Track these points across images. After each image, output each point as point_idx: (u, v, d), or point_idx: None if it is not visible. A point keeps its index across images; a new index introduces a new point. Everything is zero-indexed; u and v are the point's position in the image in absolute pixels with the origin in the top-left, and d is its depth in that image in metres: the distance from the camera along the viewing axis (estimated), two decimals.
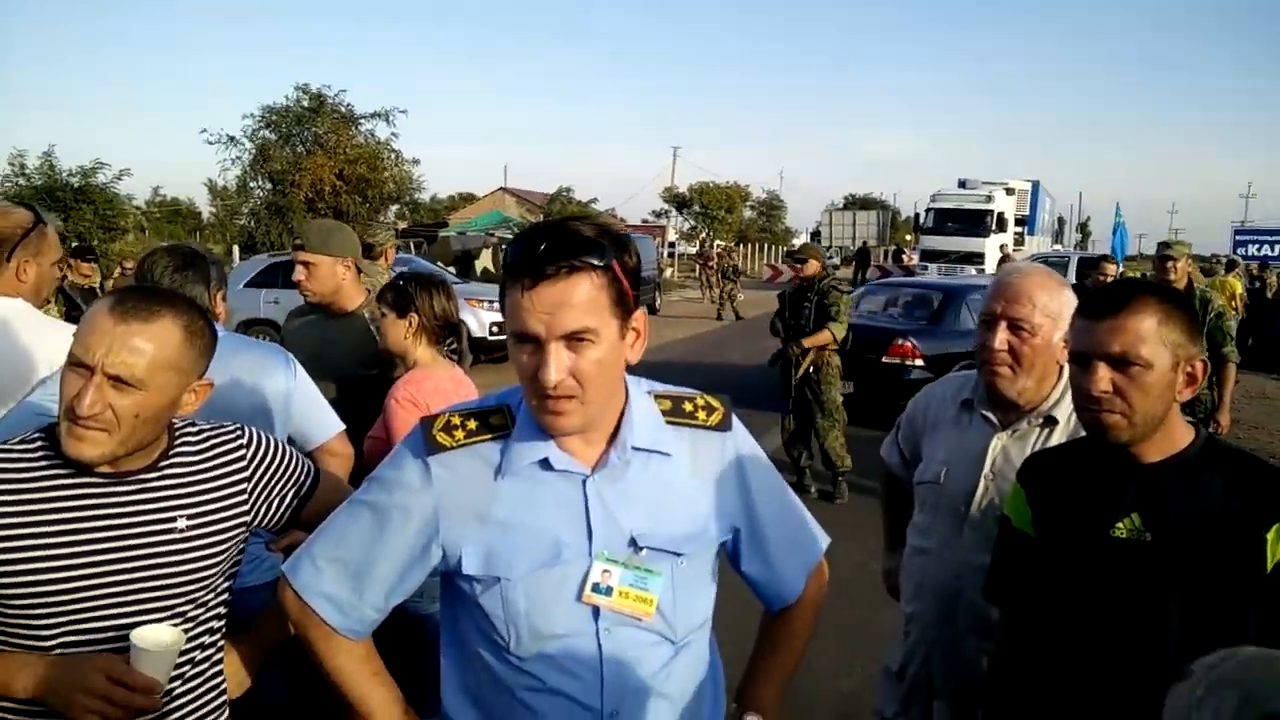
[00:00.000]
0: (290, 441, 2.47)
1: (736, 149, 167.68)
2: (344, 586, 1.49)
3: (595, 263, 1.34)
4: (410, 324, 2.97)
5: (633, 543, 1.43)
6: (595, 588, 1.41)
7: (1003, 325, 2.05)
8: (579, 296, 1.33)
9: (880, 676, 2.38)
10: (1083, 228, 64.15)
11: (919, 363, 9.08)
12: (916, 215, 35.44)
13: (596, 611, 1.42)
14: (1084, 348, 1.64)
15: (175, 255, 2.60)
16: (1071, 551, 1.70)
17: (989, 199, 30.39)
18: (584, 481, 1.44)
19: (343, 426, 2.64)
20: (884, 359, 9.14)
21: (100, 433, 1.45)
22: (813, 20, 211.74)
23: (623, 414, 1.47)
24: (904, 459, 2.43)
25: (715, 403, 1.57)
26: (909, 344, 9.18)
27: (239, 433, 1.70)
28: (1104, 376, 1.60)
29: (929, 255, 30.15)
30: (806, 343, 6.98)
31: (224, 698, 1.70)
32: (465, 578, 1.45)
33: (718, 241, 34.66)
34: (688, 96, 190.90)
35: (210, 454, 1.65)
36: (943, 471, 2.17)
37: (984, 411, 2.15)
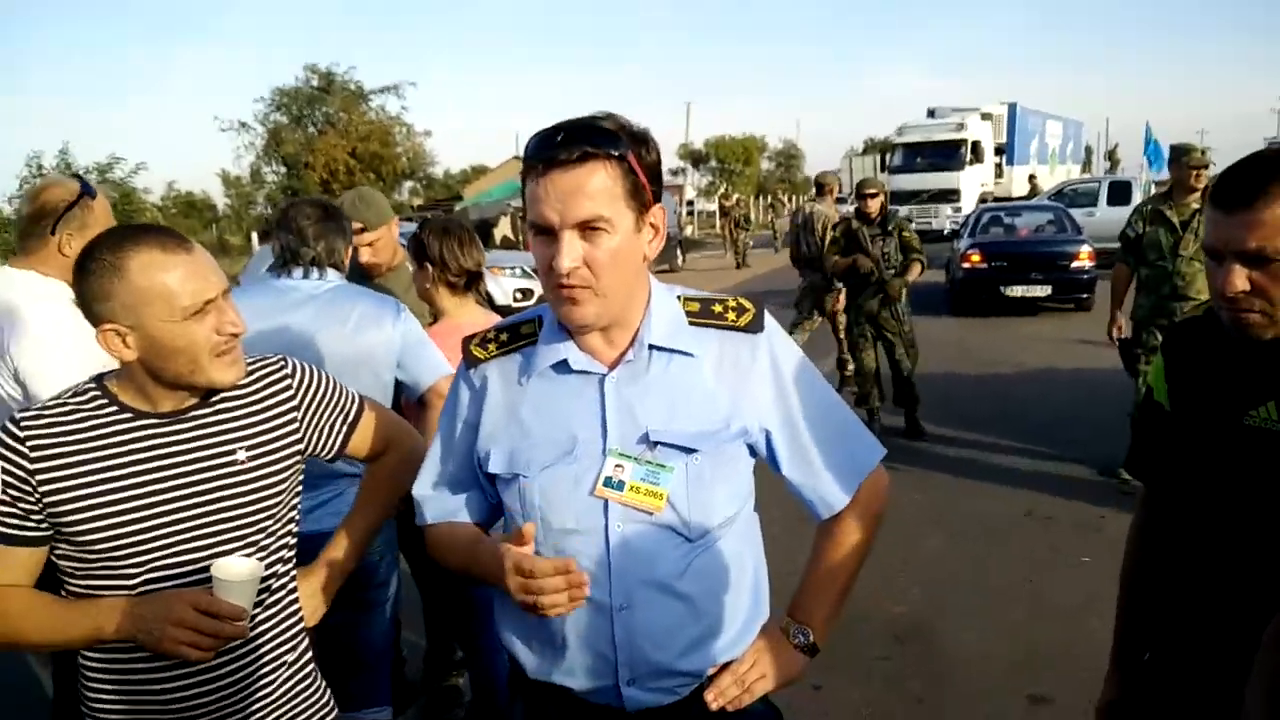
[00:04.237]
0: (402, 386, 2.62)
1: (751, 101, 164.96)
2: (445, 501, 1.62)
3: (610, 151, 1.34)
4: (429, 274, 2.91)
5: (646, 439, 1.44)
6: (607, 482, 1.43)
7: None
8: (593, 185, 1.33)
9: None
10: (1110, 155, 62.67)
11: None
12: (883, 155, 31.48)
13: (608, 507, 1.43)
14: (1216, 243, 1.47)
15: (318, 207, 2.69)
16: (1203, 435, 1.57)
17: (961, 127, 26.58)
18: (601, 380, 1.46)
19: (451, 370, 2.66)
20: (1073, 264, 12.48)
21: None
22: None
23: (645, 314, 1.48)
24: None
25: (747, 304, 1.54)
26: (1089, 249, 12.44)
27: (282, 363, 1.72)
28: (1239, 276, 1.43)
29: (899, 197, 24.45)
30: (911, 278, 6.76)
31: (303, 624, 1.75)
32: (493, 477, 1.52)
33: (723, 190, 34.13)
34: (698, 50, 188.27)
35: (258, 385, 1.68)
36: None
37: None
